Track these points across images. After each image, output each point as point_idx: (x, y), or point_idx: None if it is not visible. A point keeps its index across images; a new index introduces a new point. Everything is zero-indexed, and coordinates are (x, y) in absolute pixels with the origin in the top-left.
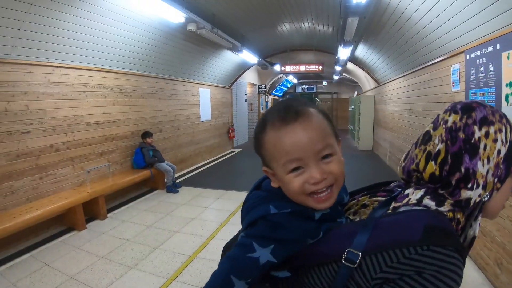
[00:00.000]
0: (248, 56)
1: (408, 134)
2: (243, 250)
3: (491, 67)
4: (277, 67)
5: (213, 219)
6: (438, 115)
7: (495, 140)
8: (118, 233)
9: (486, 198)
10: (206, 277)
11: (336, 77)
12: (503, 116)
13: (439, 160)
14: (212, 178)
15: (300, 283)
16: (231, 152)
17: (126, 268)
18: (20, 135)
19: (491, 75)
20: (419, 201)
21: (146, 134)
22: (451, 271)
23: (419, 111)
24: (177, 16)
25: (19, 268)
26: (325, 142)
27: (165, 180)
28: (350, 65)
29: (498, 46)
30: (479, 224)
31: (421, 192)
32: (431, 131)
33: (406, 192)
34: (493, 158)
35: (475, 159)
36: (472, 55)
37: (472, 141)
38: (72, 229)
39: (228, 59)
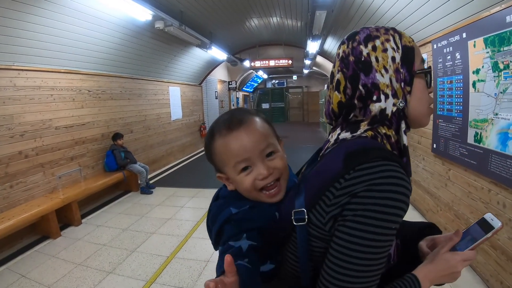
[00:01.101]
0: (217, 53)
1: None
2: (225, 252)
3: (458, 55)
4: (246, 63)
5: (189, 218)
6: None
7: (385, 50)
8: (93, 238)
9: (402, 105)
10: (185, 277)
11: (306, 71)
12: (389, 29)
13: (341, 88)
14: (186, 177)
15: (283, 264)
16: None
17: (104, 273)
18: None
19: (458, 63)
20: (336, 139)
21: (117, 136)
22: (385, 177)
23: None
24: (144, 14)
25: None
26: (267, 142)
27: (139, 181)
28: (319, 59)
29: (464, 35)
30: (404, 131)
31: (337, 131)
32: (332, 69)
33: (328, 138)
34: (390, 66)
35: (372, 73)
36: (439, 45)
37: (362, 59)
38: (46, 238)
39: (197, 56)
